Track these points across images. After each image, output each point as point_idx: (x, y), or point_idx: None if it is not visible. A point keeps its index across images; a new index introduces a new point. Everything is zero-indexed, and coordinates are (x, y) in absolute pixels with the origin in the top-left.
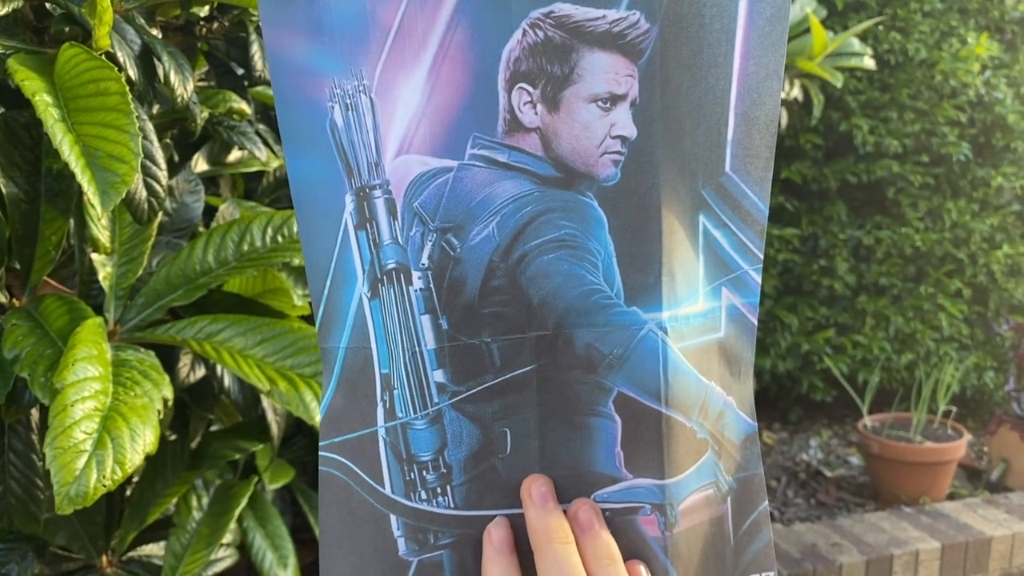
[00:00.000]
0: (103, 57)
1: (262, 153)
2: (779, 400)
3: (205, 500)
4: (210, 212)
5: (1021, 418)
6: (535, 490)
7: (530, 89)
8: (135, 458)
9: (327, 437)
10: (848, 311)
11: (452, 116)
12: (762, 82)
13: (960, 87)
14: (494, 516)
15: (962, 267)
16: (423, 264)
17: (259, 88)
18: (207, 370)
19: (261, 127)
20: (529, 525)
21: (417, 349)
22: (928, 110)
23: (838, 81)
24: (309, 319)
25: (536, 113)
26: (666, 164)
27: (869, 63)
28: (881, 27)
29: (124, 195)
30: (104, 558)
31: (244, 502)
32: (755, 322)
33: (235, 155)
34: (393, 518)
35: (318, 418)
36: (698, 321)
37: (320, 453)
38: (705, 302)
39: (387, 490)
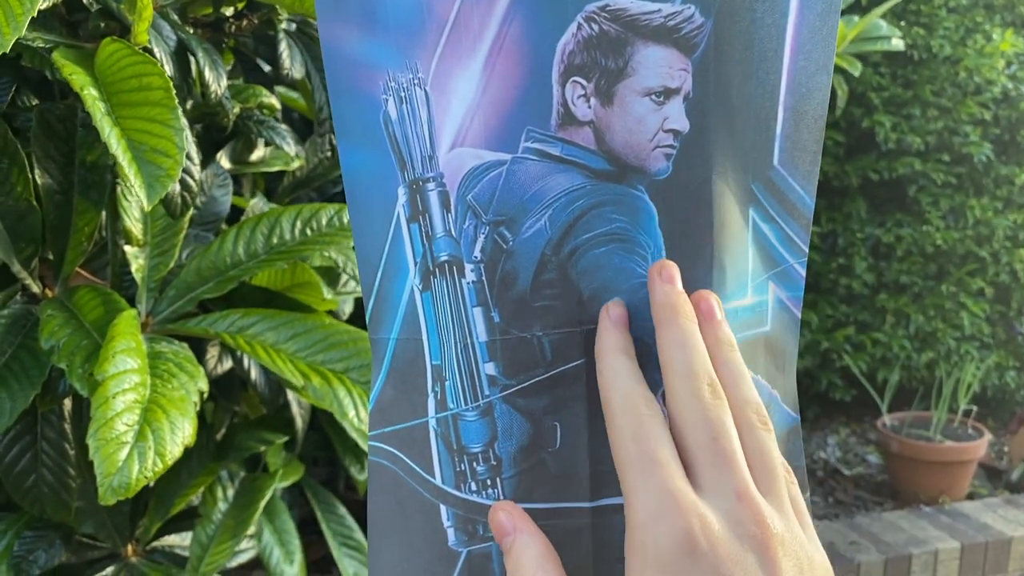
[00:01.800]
0: (143, 52)
1: (291, 148)
2: (798, 398)
3: (230, 492)
4: (234, 211)
5: None
6: (664, 270)
7: (584, 83)
8: (175, 450)
9: (376, 427)
10: (868, 309)
11: (506, 109)
12: (812, 77)
13: (984, 84)
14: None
15: (984, 265)
16: (476, 257)
17: (282, 89)
18: (234, 362)
19: (283, 127)
20: (655, 301)
21: (469, 341)
22: (952, 107)
23: (856, 70)
24: (336, 314)
25: (590, 107)
26: (718, 158)
27: (898, 44)
28: (903, 22)
29: (169, 188)
30: (129, 547)
31: (269, 494)
32: (799, 316)
33: (257, 154)
34: (443, 508)
35: (351, 414)
36: (746, 315)
37: (370, 443)
38: (753, 296)
39: (437, 480)
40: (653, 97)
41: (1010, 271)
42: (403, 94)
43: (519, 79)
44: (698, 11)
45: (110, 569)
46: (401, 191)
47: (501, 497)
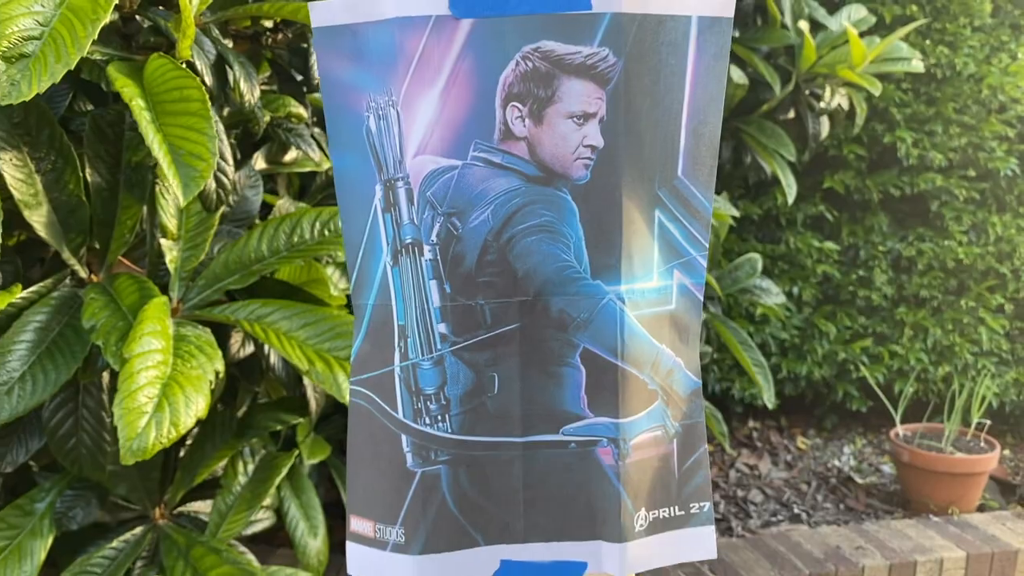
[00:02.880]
0: (185, 66)
1: (316, 154)
2: (814, 407)
3: (250, 467)
4: (265, 208)
5: None
6: None
7: (520, 107)
8: (188, 421)
9: (356, 375)
10: (887, 321)
11: (459, 126)
12: (708, 105)
13: (1009, 102)
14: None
15: (1005, 282)
16: (432, 240)
17: (316, 95)
18: (256, 347)
19: (316, 130)
20: None
21: (426, 306)
22: (975, 124)
23: (876, 89)
24: (345, 308)
25: (524, 126)
26: (627, 169)
27: (918, 66)
28: (928, 41)
29: (202, 187)
30: (157, 510)
31: (284, 472)
32: (701, 299)
33: (291, 155)
34: (404, 438)
35: (348, 397)
36: (653, 295)
37: (350, 387)
38: (659, 280)
39: (400, 415)
40: (575, 119)
41: None
42: (380, 112)
43: (469, 103)
44: (611, 52)
45: (139, 529)
46: (378, 188)
47: (449, 430)
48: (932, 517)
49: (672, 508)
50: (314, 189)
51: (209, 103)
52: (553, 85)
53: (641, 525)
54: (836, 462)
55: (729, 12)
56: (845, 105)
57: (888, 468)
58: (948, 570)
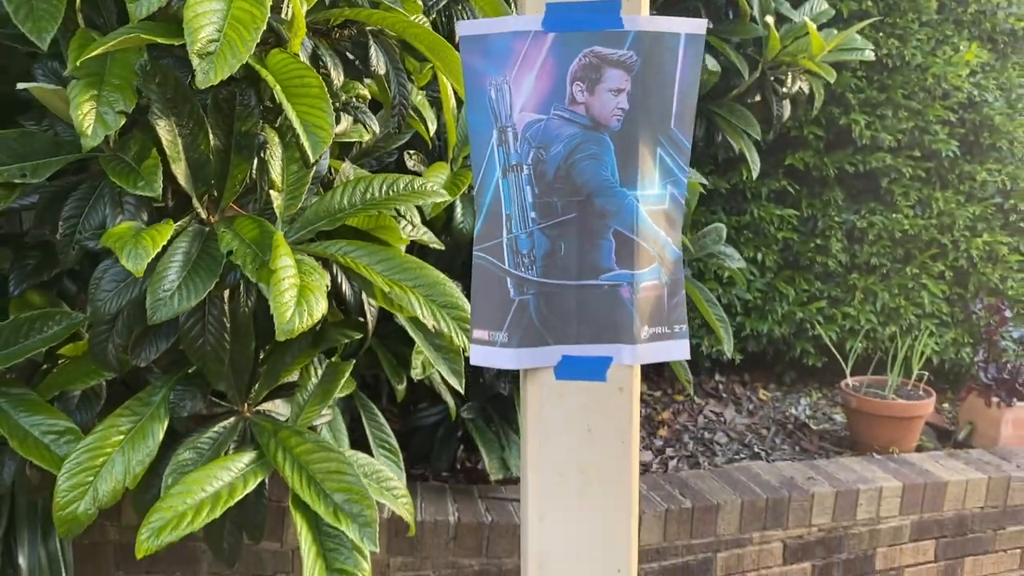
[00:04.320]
0: (298, 58)
1: (376, 126)
2: (775, 363)
3: (320, 371)
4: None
5: (987, 385)
6: None
7: (581, 84)
8: (316, 313)
9: (479, 244)
10: (840, 286)
11: (545, 95)
12: (689, 85)
13: (951, 89)
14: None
15: (945, 251)
16: (528, 162)
17: (368, 81)
18: (330, 278)
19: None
20: None
21: (523, 202)
22: (921, 109)
23: (832, 77)
24: (409, 249)
25: (583, 96)
26: (642, 122)
27: (869, 55)
28: (881, 33)
29: (324, 150)
30: (245, 405)
31: (347, 375)
32: (683, 202)
33: (341, 127)
34: (508, 279)
35: (417, 312)
36: (654, 198)
37: (475, 252)
38: (659, 189)
39: (505, 266)
40: (612, 92)
41: (968, 257)
42: (498, 87)
43: (551, 82)
44: (635, 53)
45: (232, 419)
46: (495, 132)
47: (536, 275)
48: (875, 455)
49: (663, 327)
50: (352, 156)
51: (325, 88)
52: (600, 72)
53: (645, 335)
54: (793, 411)
55: (703, 31)
56: (806, 90)
57: (839, 417)
58: (886, 497)
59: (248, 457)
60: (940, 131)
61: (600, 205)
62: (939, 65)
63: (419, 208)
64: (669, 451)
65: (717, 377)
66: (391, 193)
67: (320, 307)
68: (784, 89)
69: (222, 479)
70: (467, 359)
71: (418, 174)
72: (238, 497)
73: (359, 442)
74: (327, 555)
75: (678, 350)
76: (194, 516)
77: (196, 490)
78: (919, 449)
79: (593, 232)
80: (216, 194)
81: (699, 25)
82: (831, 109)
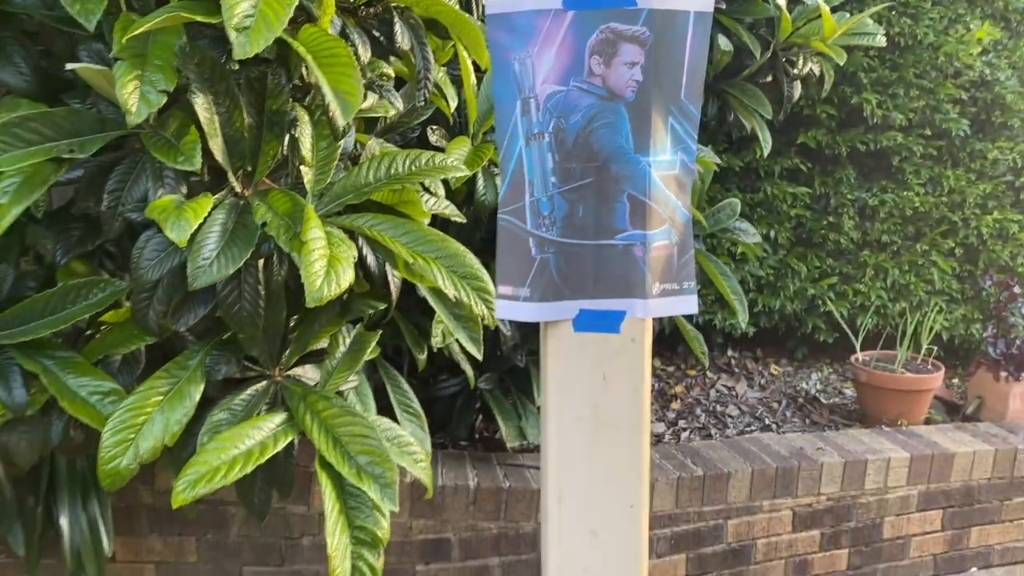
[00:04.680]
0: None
1: (399, 104)
2: (787, 338)
3: (347, 340)
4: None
5: (996, 361)
6: None
7: (599, 58)
8: (344, 283)
9: (503, 207)
10: (852, 263)
11: (565, 68)
12: (698, 60)
13: (963, 68)
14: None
15: (956, 229)
16: (549, 131)
17: (392, 59)
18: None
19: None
20: None
21: (544, 167)
22: (933, 88)
23: (841, 59)
24: (432, 222)
25: (600, 68)
26: (654, 93)
27: (881, 41)
28: (893, 12)
29: (354, 114)
30: (276, 370)
31: (373, 344)
32: (693, 168)
33: (367, 103)
34: (530, 239)
35: (439, 283)
36: (666, 164)
37: (499, 215)
38: (670, 155)
39: (528, 227)
40: (627, 65)
41: (978, 234)
42: (521, 61)
43: (571, 56)
44: (648, 29)
45: (264, 383)
46: (518, 103)
47: (555, 235)
48: (884, 428)
49: (673, 283)
50: (376, 132)
51: (353, 58)
52: (616, 46)
53: (656, 291)
54: (804, 385)
55: (711, 8)
56: (817, 71)
57: (849, 391)
58: (894, 468)
59: (279, 418)
60: (951, 110)
61: (616, 170)
62: (951, 44)
63: (444, 181)
64: (682, 423)
65: (730, 352)
66: (414, 168)
67: (347, 277)
68: (795, 70)
69: (254, 438)
70: (486, 328)
71: (441, 149)
72: (269, 455)
73: (383, 411)
74: (349, 513)
75: (686, 305)
76: (227, 471)
77: (229, 447)
78: (928, 422)
79: (609, 195)
80: (250, 169)
81: (707, 3)
82: (843, 88)
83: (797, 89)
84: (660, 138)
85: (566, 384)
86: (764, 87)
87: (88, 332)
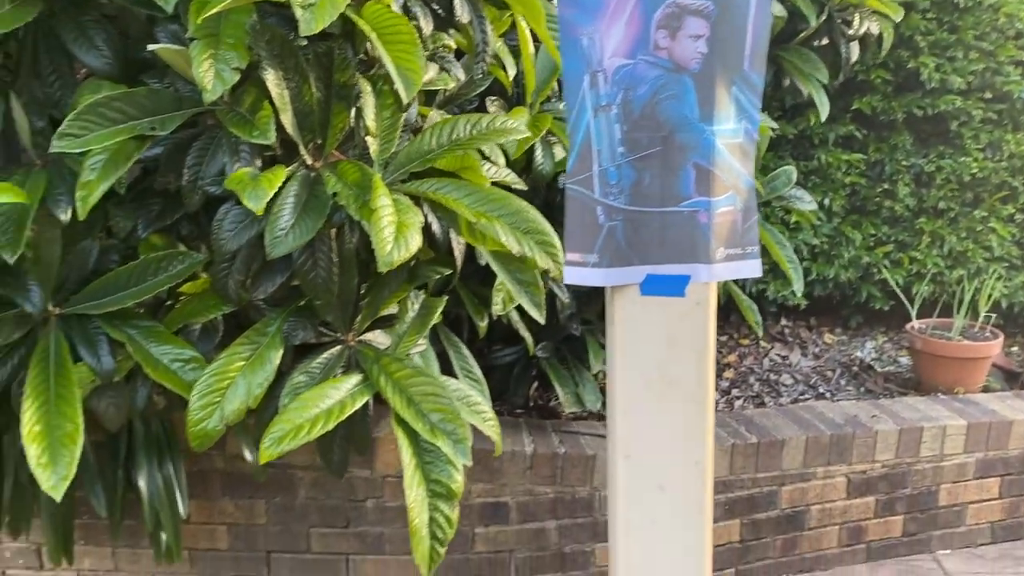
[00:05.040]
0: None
1: (461, 74)
2: (841, 307)
3: (416, 305)
4: None
5: None
6: None
7: (665, 31)
8: (412, 247)
9: (571, 177)
10: (907, 230)
11: (632, 42)
12: (761, 30)
13: None
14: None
15: (1016, 194)
16: (617, 102)
17: (451, 31)
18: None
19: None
20: None
21: (612, 138)
22: (993, 50)
23: (899, 15)
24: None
25: (666, 42)
26: (718, 64)
27: None
28: None
29: (416, 91)
30: (349, 335)
31: (440, 309)
32: (756, 136)
33: (428, 76)
34: (598, 207)
35: (503, 240)
36: (729, 133)
37: (567, 185)
38: (734, 124)
39: (596, 195)
40: (692, 38)
41: None
42: (590, 36)
43: (638, 30)
44: (712, 2)
45: (338, 347)
46: (586, 76)
47: (622, 203)
48: (940, 395)
49: (737, 248)
50: (437, 103)
51: (416, 35)
52: (681, 20)
53: (720, 256)
54: (858, 354)
55: None
56: (875, 31)
57: (905, 359)
58: (951, 435)
59: (355, 379)
60: (1012, 72)
61: (681, 140)
62: (1012, 4)
63: (503, 151)
64: (735, 392)
65: (783, 322)
66: (475, 132)
67: (416, 241)
68: (851, 31)
69: (333, 397)
70: (548, 292)
71: None
72: (348, 412)
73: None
74: (424, 467)
75: (749, 268)
76: (310, 427)
77: (311, 406)
78: (985, 390)
79: (675, 164)
80: (319, 141)
81: None
82: (899, 52)
83: (854, 51)
84: (724, 108)
85: (632, 346)
86: (819, 51)
87: (168, 303)
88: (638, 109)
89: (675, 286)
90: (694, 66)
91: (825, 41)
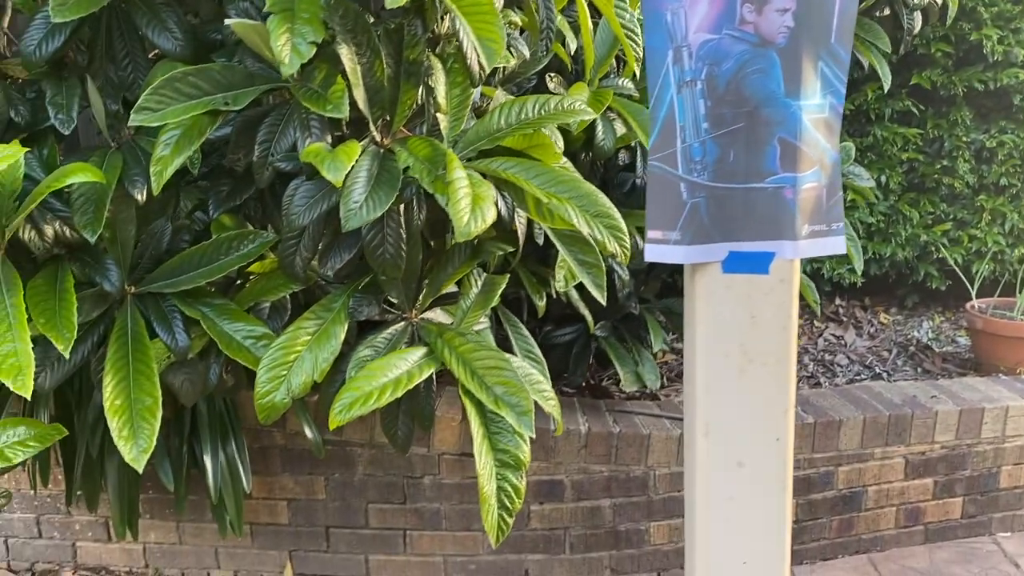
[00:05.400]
0: None
1: (527, 51)
2: (897, 286)
3: (479, 282)
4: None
5: None
6: None
7: (751, 5)
8: (489, 218)
9: (654, 154)
10: (967, 208)
11: (717, 17)
12: (848, 4)
13: None
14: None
15: None
16: (702, 78)
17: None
18: None
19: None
20: None
21: (696, 113)
22: None
23: None
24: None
25: (752, 16)
26: (805, 38)
27: None
28: None
29: (497, 61)
30: (412, 312)
31: (503, 286)
32: (841, 111)
33: None
34: (681, 184)
35: (573, 221)
36: (815, 108)
37: (650, 162)
38: (820, 99)
39: (679, 172)
40: (779, 12)
41: None
42: (674, 11)
43: (723, 5)
44: None
45: (402, 323)
46: (670, 52)
47: (705, 179)
48: (1001, 376)
49: (822, 224)
50: (496, 82)
51: (496, 7)
52: None
53: (805, 232)
54: (916, 334)
55: None
56: (938, 0)
57: (963, 339)
58: (1012, 416)
59: (420, 352)
60: None
61: (766, 115)
62: None
63: (561, 131)
64: None
65: (838, 301)
66: (543, 112)
67: (491, 214)
68: (914, 0)
69: (400, 367)
70: (608, 272)
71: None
72: (415, 382)
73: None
74: (492, 437)
75: (834, 245)
76: (379, 395)
77: (379, 375)
78: None
79: (760, 139)
80: (389, 118)
81: None
82: (961, 24)
83: (917, 20)
84: (810, 82)
85: (713, 323)
86: (880, 21)
87: (238, 282)
88: (723, 84)
89: (759, 263)
90: (780, 40)
91: (886, 11)
